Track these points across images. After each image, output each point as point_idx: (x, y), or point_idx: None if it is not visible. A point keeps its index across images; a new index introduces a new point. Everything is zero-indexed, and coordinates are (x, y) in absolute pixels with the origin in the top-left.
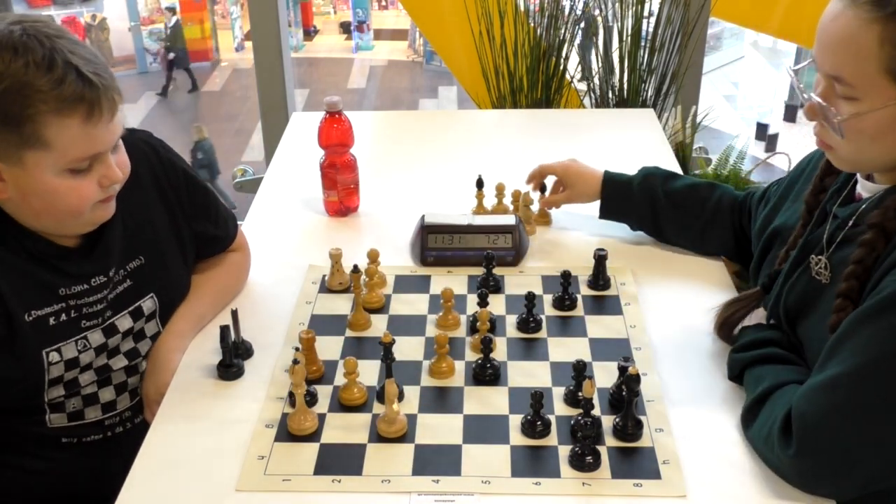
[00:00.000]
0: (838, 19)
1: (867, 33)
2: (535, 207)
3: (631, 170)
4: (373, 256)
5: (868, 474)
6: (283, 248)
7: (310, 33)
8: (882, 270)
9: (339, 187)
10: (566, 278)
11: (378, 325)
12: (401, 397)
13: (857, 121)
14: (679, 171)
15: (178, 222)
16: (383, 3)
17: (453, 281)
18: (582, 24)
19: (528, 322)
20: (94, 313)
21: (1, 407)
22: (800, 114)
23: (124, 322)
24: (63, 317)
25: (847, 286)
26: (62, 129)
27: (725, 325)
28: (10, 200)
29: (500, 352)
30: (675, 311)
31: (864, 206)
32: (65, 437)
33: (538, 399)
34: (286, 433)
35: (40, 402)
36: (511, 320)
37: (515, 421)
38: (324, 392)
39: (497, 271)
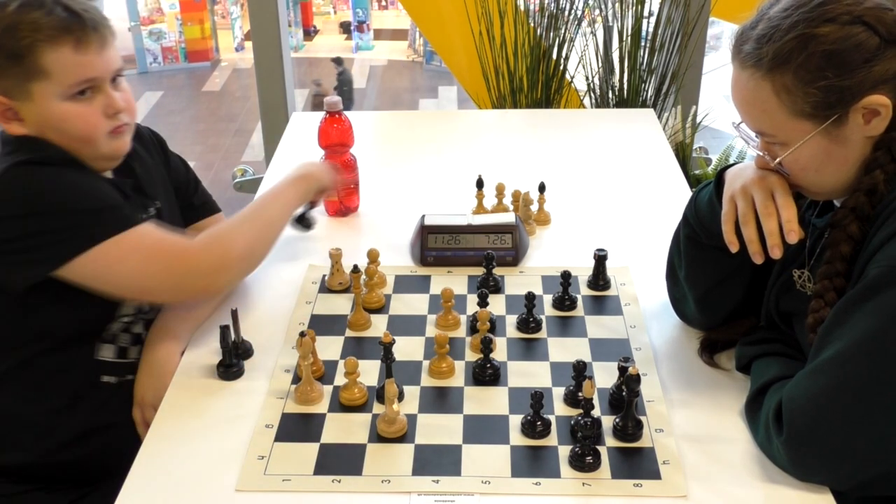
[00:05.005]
0: (738, 84)
1: (763, 90)
2: (534, 207)
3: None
4: (373, 256)
5: (858, 457)
6: (283, 248)
7: (310, 33)
8: (863, 260)
9: (339, 187)
10: (566, 278)
11: (378, 325)
12: (401, 397)
13: (793, 158)
14: (679, 170)
15: (171, 191)
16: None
17: (453, 281)
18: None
19: (528, 322)
20: None
21: (65, 331)
22: None
23: None
24: None
25: (821, 286)
26: (57, 57)
27: (708, 347)
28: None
29: (500, 352)
30: (674, 311)
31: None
32: (105, 374)
33: (538, 399)
34: (286, 433)
35: (102, 329)
36: (511, 320)
37: (515, 421)
38: (324, 392)
39: (497, 271)
